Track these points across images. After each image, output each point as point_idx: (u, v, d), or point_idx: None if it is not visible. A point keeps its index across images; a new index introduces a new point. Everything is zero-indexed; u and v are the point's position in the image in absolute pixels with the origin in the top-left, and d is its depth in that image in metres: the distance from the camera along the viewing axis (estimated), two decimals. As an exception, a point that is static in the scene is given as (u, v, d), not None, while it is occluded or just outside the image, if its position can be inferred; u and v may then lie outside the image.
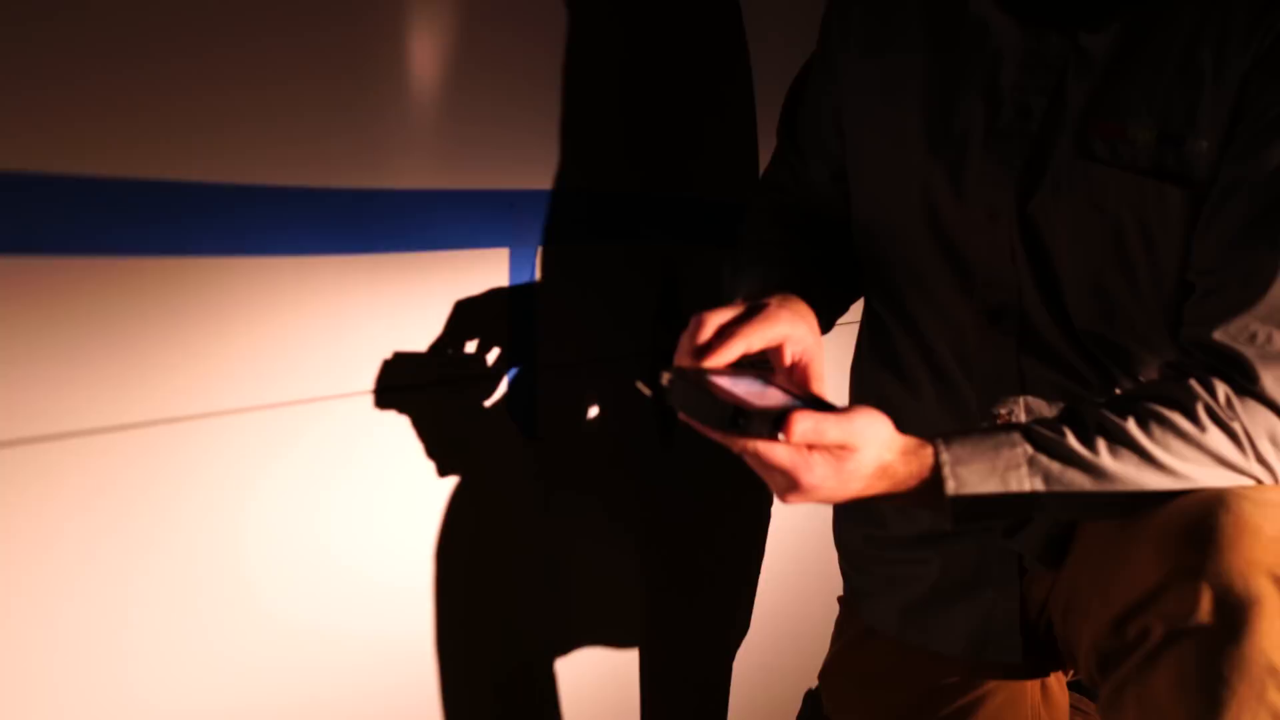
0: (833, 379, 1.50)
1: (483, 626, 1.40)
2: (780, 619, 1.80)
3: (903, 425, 1.09)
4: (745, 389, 1.05)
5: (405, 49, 1.23)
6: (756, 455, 1.02)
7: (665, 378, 1.03)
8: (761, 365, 1.14)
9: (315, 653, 1.23)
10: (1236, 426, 1.08)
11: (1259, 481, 1.10)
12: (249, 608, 1.17)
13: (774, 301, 1.13)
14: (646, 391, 1.06)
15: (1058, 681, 1.42)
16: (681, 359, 1.09)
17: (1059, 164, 1.20)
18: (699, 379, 1.04)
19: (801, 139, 1.46)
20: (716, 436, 1.03)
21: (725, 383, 1.05)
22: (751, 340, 1.09)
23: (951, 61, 1.27)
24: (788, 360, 1.12)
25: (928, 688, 1.41)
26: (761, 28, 1.63)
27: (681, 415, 1.03)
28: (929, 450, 1.08)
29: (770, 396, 1.05)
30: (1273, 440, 1.09)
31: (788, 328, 1.11)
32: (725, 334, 1.09)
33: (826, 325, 1.35)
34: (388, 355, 1.25)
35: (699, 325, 1.09)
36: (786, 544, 1.78)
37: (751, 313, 1.11)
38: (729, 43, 1.63)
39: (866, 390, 1.44)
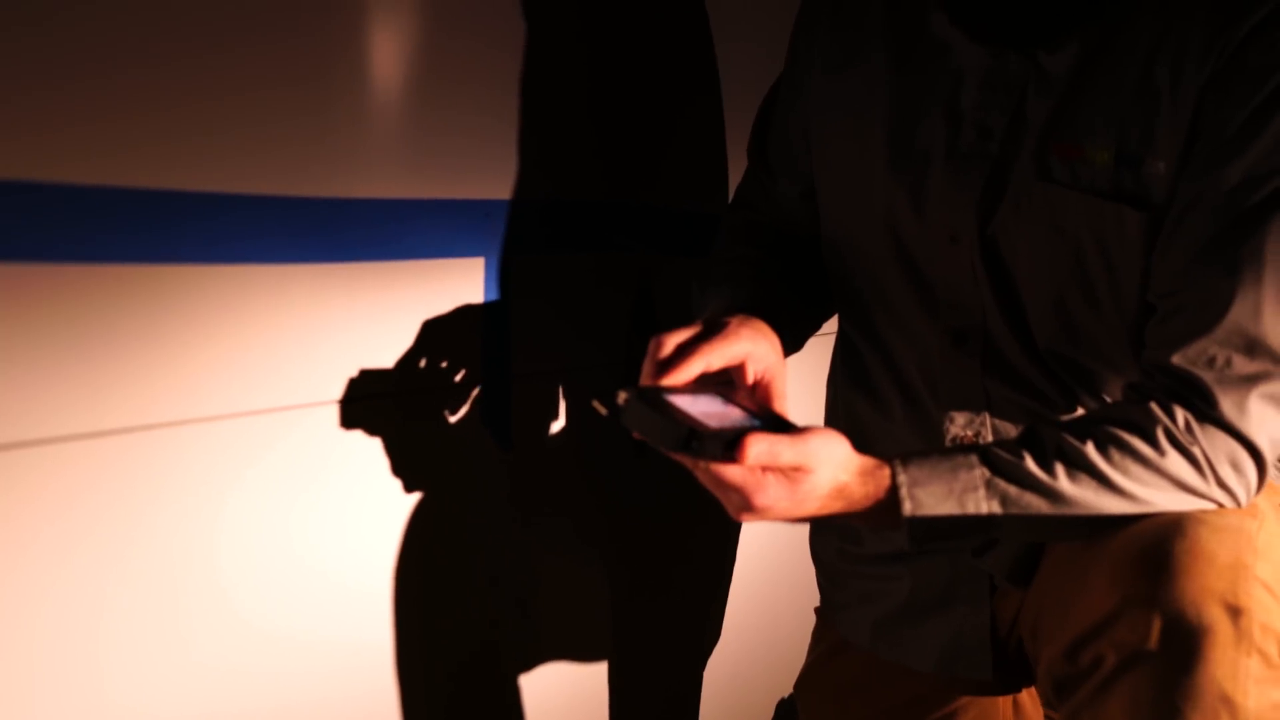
0: (810, 392, 1.50)
1: (454, 635, 1.40)
2: (754, 628, 1.80)
3: (872, 443, 1.09)
4: (703, 408, 1.05)
5: (381, 58, 1.23)
6: (710, 473, 1.02)
7: (621, 397, 1.03)
8: (724, 383, 1.14)
9: (287, 659, 1.24)
10: (1197, 451, 1.07)
11: (1220, 506, 1.09)
12: (223, 614, 1.18)
13: (735, 320, 1.14)
14: (602, 411, 1.06)
15: (1030, 698, 1.42)
16: (645, 380, 1.10)
17: (1019, 185, 1.20)
18: (656, 398, 1.04)
19: (771, 157, 1.45)
20: (671, 455, 1.03)
21: (682, 402, 1.04)
22: (711, 358, 1.10)
23: (913, 81, 1.27)
24: (750, 379, 1.13)
25: (901, 701, 1.41)
26: (732, 37, 1.63)
27: (636, 435, 1.03)
28: (886, 471, 1.08)
29: (727, 416, 1.05)
30: (1233, 465, 1.08)
31: (749, 345, 1.12)
32: (685, 352, 1.10)
33: (796, 343, 1.36)
34: (362, 364, 1.25)
35: (659, 345, 1.10)
36: (762, 554, 1.78)
37: (711, 331, 1.12)
38: (701, 53, 1.62)
39: (839, 407, 1.44)
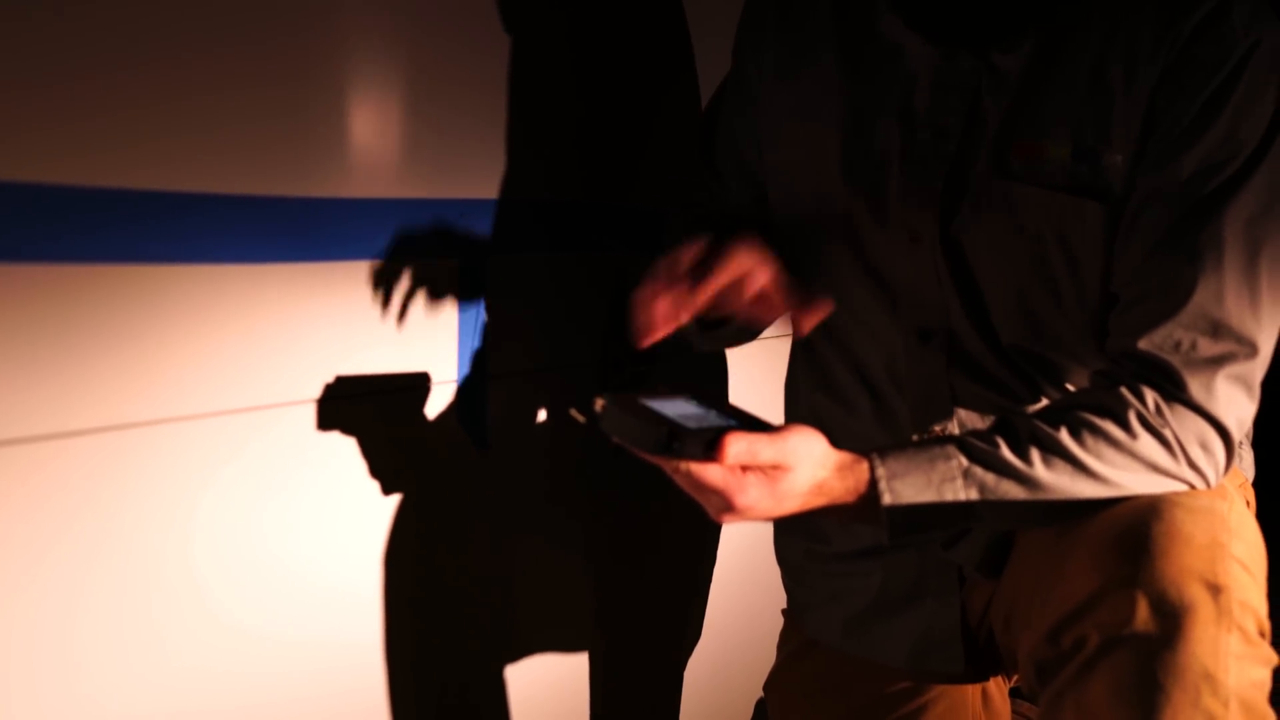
0: (767, 395, 1.51)
1: (433, 634, 1.40)
2: (731, 628, 1.80)
3: (838, 442, 1.10)
4: (679, 411, 1.06)
5: (355, 58, 1.23)
6: (690, 476, 1.03)
7: (599, 404, 1.04)
8: (701, 387, 1.16)
9: (264, 658, 1.23)
10: (1168, 433, 1.10)
11: (1191, 487, 1.11)
12: (199, 614, 1.17)
13: (737, 245, 1.17)
14: (580, 419, 1.07)
15: (998, 687, 1.43)
16: (660, 286, 1.14)
17: (978, 184, 1.22)
18: (632, 403, 1.05)
19: (720, 162, 1.46)
20: (650, 459, 1.04)
21: (659, 405, 1.06)
22: (718, 277, 1.14)
23: (866, 85, 1.28)
24: (754, 288, 1.16)
25: (870, 697, 1.42)
26: (709, 35, 1.64)
27: (615, 440, 1.04)
28: (864, 465, 1.09)
29: (704, 418, 1.06)
30: (1203, 445, 1.11)
31: (749, 262, 1.16)
32: (696, 276, 1.14)
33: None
34: (337, 364, 1.25)
35: (673, 263, 1.15)
36: (740, 554, 1.79)
37: (713, 252, 1.16)
38: (677, 51, 1.63)
39: (801, 407, 1.45)
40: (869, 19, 1.28)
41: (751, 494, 1.04)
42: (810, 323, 1.15)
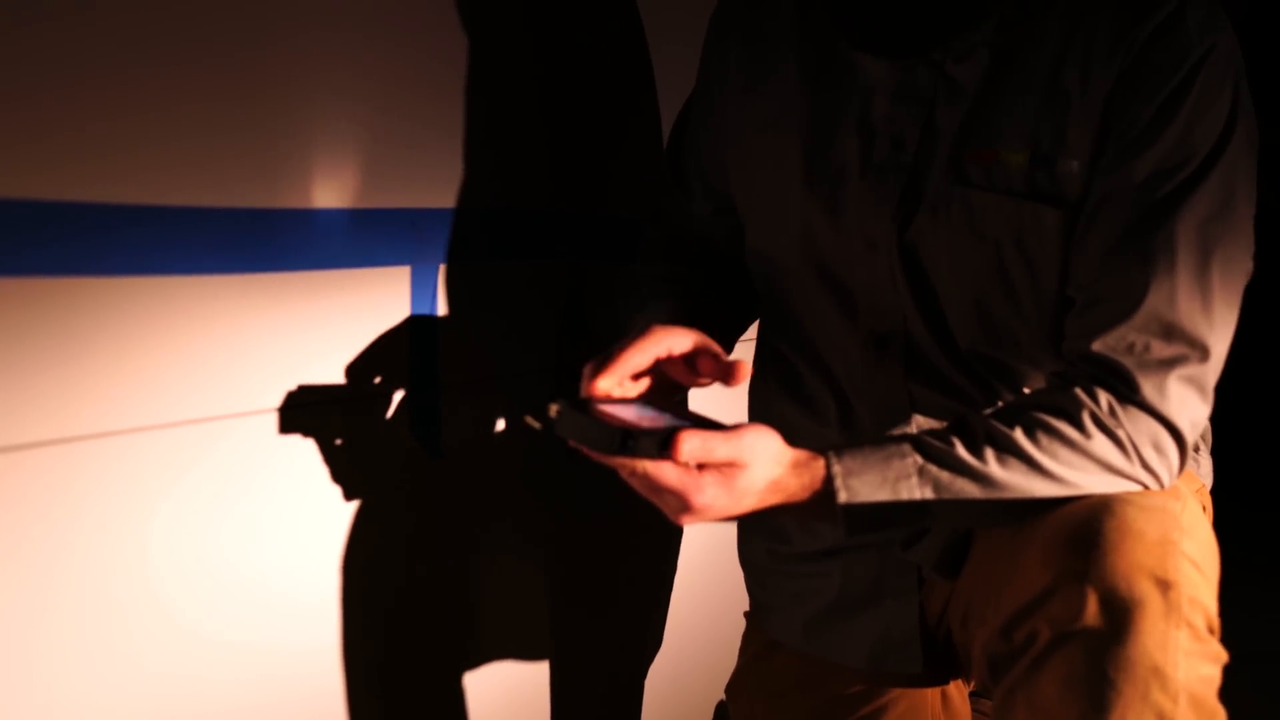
0: (732, 401, 1.52)
1: (391, 641, 1.39)
2: (691, 632, 1.80)
3: (801, 445, 1.11)
4: (634, 414, 1.07)
5: (303, 68, 1.23)
6: (646, 478, 1.04)
7: (553, 409, 1.05)
8: (662, 397, 1.16)
9: (224, 666, 1.23)
10: (1121, 433, 1.11)
11: (1145, 487, 1.12)
12: (158, 623, 1.17)
13: (657, 327, 1.17)
14: (536, 425, 1.08)
15: (958, 689, 1.44)
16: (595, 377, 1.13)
17: (935, 191, 1.23)
18: (587, 407, 1.06)
19: (685, 174, 1.48)
20: (607, 461, 1.05)
21: (614, 409, 1.07)
22: (635, 359, 1.14)
23: (825, 97, 1.30)
24: (679, 351, 1.16)
25: (831, 698, 1.42)
26: (664, 43, 1.65)
27: (571, 443, 1.05)
28: (820, 463, 1.10)
29: (659, 419, 1.07)
30: (1156, 446, 1.12)
31: (669, 340, 1.16)
32: (611, 359, 1.13)
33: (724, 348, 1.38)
34: (289, 374, 1.25)
35: (593, 365, 1.14)
36: (700, 558, 1.79)
37: (637, 336, 1.15)
38: (630, 59, 1.64)
39: (768, 413, 1.45)
40: (830, 32, 1.30)
41: (708, 493, 1.04)
42: (738, 379, 1.15)
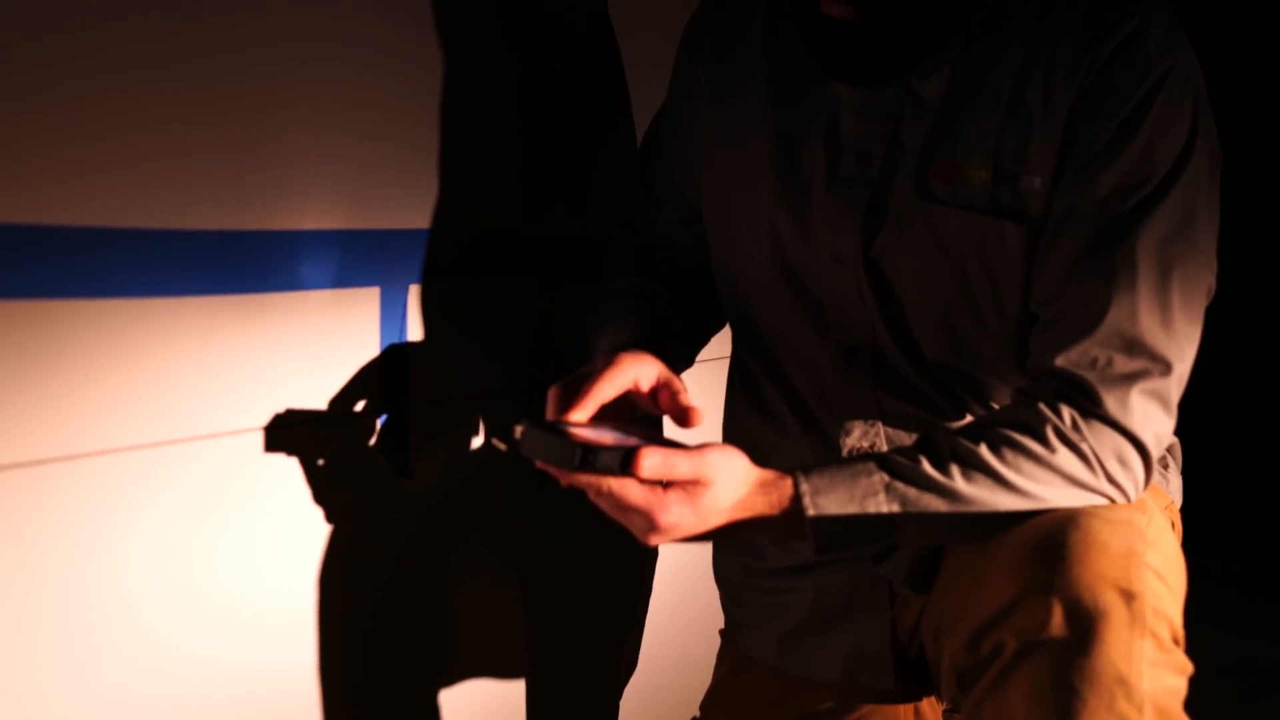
0: (709, 417, 1.53)
1: (364, 662, 1.39)
2: (666, 649, 1.80)
3: (770, 463, 1.12)
4: (598, 434, 1.08)
5: (271, 89, 1.23)
6: (612, 496, 1.05)
7: (518, 430, 1.06)
8: (632, 420, 1.17)
9: (198, 686, 1.22)
10: (1085, 448, 1.12)
11: (1111, 500, 1.14)
12: (131, 644, 1.16)
13: (622, 356, 1.19)
14: (502, 447, 1.10)
15: (931, 706, 1.44)
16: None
17: (900, 206, 1.24)
18: (552, 428, 1.07)
19: (655, 185, 1.49)
20: (572, 480, 1.06)
21: (579, 430, 1.08)
22: (605, 390, 1.15)
23: (793, 110, 1.32)
24: (646, 388, 1.18)
25: (803, 713, 1.43)
26: (639, 63, 1.66)
27: (537, 464, 1.06)
28: (788, 482, 1.12)
29: (624, 440, 1.08)
30: (1120, 460, 1.13)
31: (636, 370, 1.18)
32: (580, 391, 1.15)
33: (686, 360, 1.41)
34: (259, 396, 1.25)
35: (554, 393, 1.17)
36: (672, 575, 1.79)
37: (601, 367, 1.17)
38: (603, 79, 1.65)
39: (735, 428, 1.47)
40: (798, 46, 1.31)
41: (674, 511, 1.06)
42: (691, 424, 1.17)
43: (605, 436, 1.09)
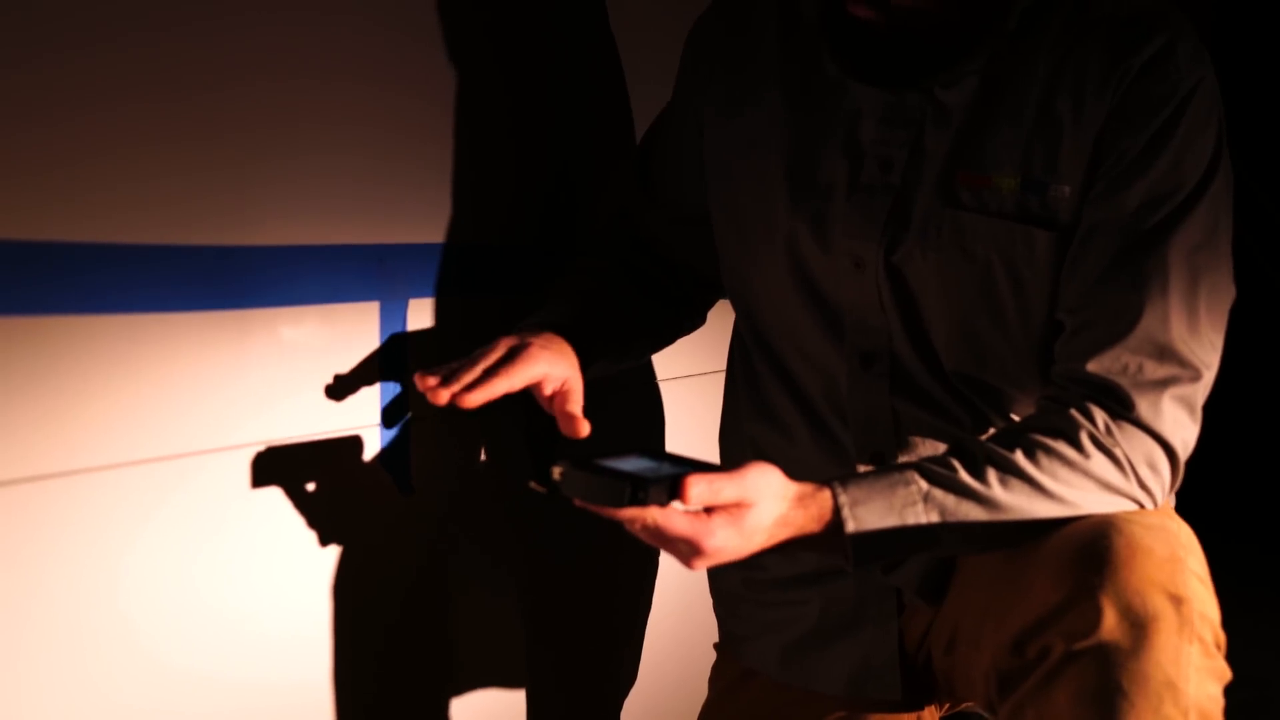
0: (703, 428, 1.53)
1: (363, 677, 1.37)
2: (663, 665, 1.80)
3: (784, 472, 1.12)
4: (634, 466, 1.08)
5: (268, 105, 1.22)
6: (656, 528, 1.05)
7: (556, 472, 1.07)
8: (648, 447, 1.18)
9: (200, 702, 1.21)
10: (1118, 452, 1.14)
11: (1140, 505, 1.15)
12: (132, 661, 1.15)
13: (536, 343, 1.24)
14: (540, 489, 1.09)
15: (930, 715, 1.45)
16: (428, 384, 1.19)
17: (924, 213, 1.25)
18: (588, 465, 1.07)
19: (651, 184, 1.49)
20: (614, 515, 1.05)
21: (614, 464, 1.08)
22: (513, 379, 1.20)
23: (811, 117, 1.32)
24: (548, 392, 1.23)
25: (806, 726, 1.42)
26: (639, 81, 1.67)
27: (577, 502, 1.07)
28: (826, 493, 1.11)
29: (659, 469, 1.08)
30: (1150, 465, 1.15)
31: (546, 367, 1.22)
32: (490, 374, 1.19)
33: (617, 358, 1.44)
34: (258, 410, 1.24)
35: (467, 363, 1.21)
36: (670, 591, 1.79)
37: (514, 354, 1.22)
38: (601, 93, 1.65)
39: (741, 440, 1.46)
40: (814, 54, 1.32)
41: (719, 535, 1.05)
42: (576, 434, 1.22)
43: (638, 464, 1.08)
